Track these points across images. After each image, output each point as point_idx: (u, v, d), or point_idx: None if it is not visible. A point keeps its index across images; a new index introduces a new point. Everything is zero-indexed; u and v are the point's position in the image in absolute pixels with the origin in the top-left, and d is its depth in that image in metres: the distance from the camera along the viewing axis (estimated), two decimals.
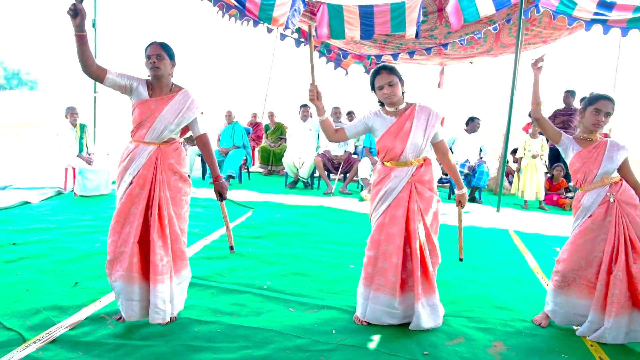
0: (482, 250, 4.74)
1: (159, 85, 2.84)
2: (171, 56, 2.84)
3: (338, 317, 3.05)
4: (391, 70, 2.80)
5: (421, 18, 7.19)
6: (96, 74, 2.71)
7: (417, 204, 2.85)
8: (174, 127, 2.82)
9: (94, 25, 8.45)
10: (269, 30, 8.48)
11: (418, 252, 2.83)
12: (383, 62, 9.74)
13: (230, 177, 7.89)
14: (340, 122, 8.03)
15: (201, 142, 3.01)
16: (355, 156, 8.07)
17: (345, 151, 7.82)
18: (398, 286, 2.83)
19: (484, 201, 7.63)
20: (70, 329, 2.79)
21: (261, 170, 9.46)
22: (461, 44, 7.69)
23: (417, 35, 7.22)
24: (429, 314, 2.90)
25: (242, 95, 11.13)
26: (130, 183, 2.79)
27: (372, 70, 2.85)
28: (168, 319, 2.83)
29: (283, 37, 8.77)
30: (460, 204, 3.07)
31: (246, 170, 8.58)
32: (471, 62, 10.10)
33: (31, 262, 3.87)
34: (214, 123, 8.82)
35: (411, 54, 8.40)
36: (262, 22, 7.84)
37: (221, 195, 3.05)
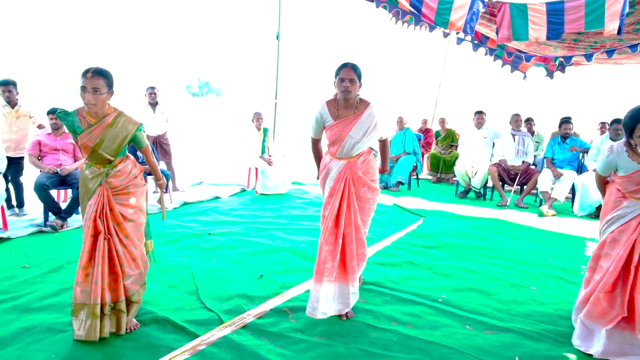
0: None
1: (346, 105, 3.00)
2: (359, 77, 2.96)
3: (520, 343, 2.80)
4: None
5: (626, 10, 6.28)
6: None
7: None
8: (361, 145, 2.98)
9: (277, 38, 9.19)
10: (445, 35, 8.24)
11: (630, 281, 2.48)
12: (571, 63, 8.78)
13: (399, 183, 7.88)
14: (520, 130, 7.44)
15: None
16: (534, 167, 7.41)
17: (523, 161, 7.23)
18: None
19: None
20: (258, 318, 3.03)
21: (430, 177, 9.27)
22: None
23: (619, 31, 6.32)
24: None
25: (413, 101, 11.02)
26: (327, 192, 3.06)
27: None
28: (322, 317, 2.94)
29: (460, 40, 8.44)
30: None
31: (415, 177, 8.49)
32: None
33: (223, 252, 4.33)
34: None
35: (610, 53, 7.40)
36: (438, 26, 7.67)
37: None
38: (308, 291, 3.42)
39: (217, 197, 6.88)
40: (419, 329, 2.93)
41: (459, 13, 7.22)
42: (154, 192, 6.81)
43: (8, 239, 4.73)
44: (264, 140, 7.40)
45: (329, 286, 2.91)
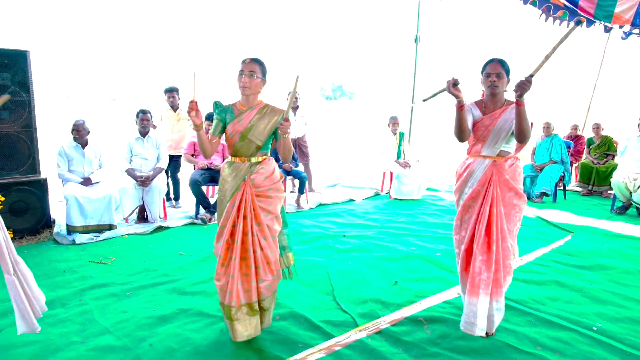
0: None
1: (494, 102, 2.89)
2: (507, 72, 2.85)
3: None
4: None
5: None
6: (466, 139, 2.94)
7: None
8: (504, 135, 2.82)
9: (416, 41, 9.06)
10: (607, 30, 7.42)
11: None
12: None
13: (543, 194, 7.26)
14: None
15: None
16: None
17: None
18: None
19: None
20: (392, 325, 3.00)
21: (579, 189, 8.40)
22: None
23: None
24: None
25: (561, 105, 10.11)
26: (467, 195, 2.92)
27: None
28: (481, 334, 2.76)
29: (627, 35, 7.54)
30: None
31: (562, 189, 7.76)
32: None
33: (358, 255, 4.37)
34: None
35: None
36: (598, 20, 6.93)
37: None
38: (445, 302, 3.34)
39: (352, 200, 6.98)
40: (570, 358, 2.65)
41: (627, 3, 6.44)
42: (291, 191, 7.13)
43: (167, 227, 5.32)
44: (399, 145, 7.34)
45: (486, 300, 2.75)
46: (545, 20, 7.48)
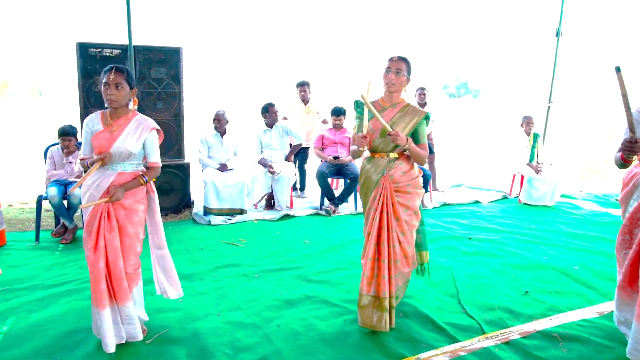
0: None
1: None
2: None
3: None
4: None
5: None
6: None
7: None
8: None
9: (557, 35, 8.34)
10: None
11: None
12: None
13: None
14: None
15: None
16: None
17: None
18: None
19: None
20: (523, 337, 2.81)
21: None
22: None
23: None
24: None
25: None
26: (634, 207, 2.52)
27: None
28: None
29: None
30: None
31: None
32: None
33: (484, 259, 4.17)
34: None
35: None
36: None
37: None
38: (583, 320, 3.05)
39: (477, 202, 6.67)
40: None
41: None
42: None
43: (293, 216, 5.55)
44: (533, 146, 6.84)
45: None
46: None
